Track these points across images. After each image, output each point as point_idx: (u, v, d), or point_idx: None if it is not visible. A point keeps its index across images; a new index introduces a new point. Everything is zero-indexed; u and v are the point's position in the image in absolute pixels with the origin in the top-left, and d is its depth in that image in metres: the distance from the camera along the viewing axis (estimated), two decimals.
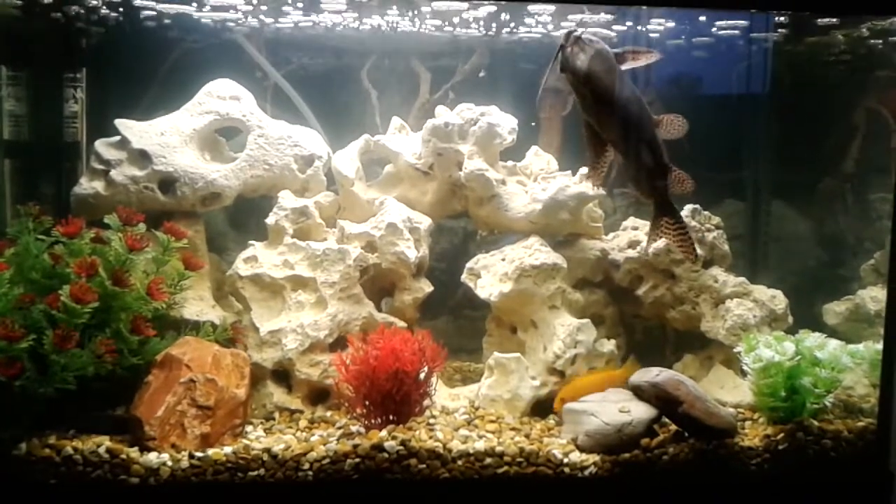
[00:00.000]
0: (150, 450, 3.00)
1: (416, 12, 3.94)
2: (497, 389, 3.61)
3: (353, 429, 3.27)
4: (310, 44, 4.35)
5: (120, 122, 3.74)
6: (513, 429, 3.41)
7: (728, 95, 4.58)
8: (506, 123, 3.89)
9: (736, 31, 4.15)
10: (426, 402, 3.37)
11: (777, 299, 3.80)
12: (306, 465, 3.05)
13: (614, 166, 3.59)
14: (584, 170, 3.83)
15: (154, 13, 3.90)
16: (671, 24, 4.06)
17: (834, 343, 3.48)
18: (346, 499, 3.08)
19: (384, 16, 3.99)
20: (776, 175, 4.60)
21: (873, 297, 4.05)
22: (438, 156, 3.89)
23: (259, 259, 3.71)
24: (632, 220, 4.10)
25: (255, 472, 3.03)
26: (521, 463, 3.14)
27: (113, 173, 3.66)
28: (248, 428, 3.33)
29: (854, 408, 3.60)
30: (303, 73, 4.39)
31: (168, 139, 3.74)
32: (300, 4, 3.85)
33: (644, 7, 3.95)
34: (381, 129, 4.16)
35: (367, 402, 3.26)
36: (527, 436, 3.34)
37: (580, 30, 3.37)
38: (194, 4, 3.85)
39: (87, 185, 3.66)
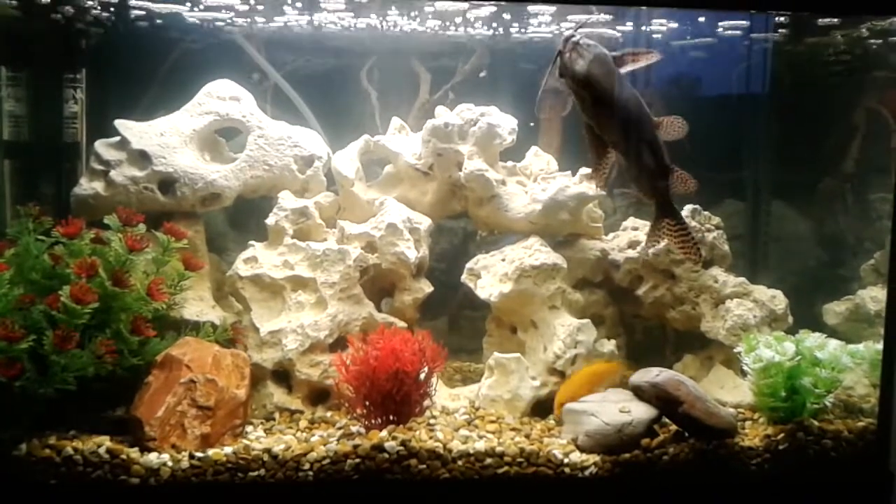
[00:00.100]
0: (150, 450, 3.00)
1: (416, 13, 3.93)
2: (497, 390, 3.61)
3: (354, 429, 3.27)
4: (309, 44, 4.35)
5: (120, 123, 3.74)
6: (513, 429, 3.41)
7: (728, 95, 4.58)
8: (506, 124, 3.89)
9: (736, 32, 4.15)
10: (426, 402, 3.37)
11: (777, 299, 3.80)
12: (306, 466, 3.05)
13: (614, 167, 3.59)
14: (584, 170, 3.83)
15: (154, 14, 3.90)
16: (670, 25, 4.06)
17: (834, 343, 3.48)
18: (346, 499, 3.08)
19: (384, 16, 3.99)
20: (776, 175, 4.60)
21: (873, 297, 4.05)
22: (438, 156, 3.89)
23: (259, 259, 3.71)
24: (632, 221, 4.11)
25: (256, 473, 3.03)
26: (521, 463, 3.14)
27: (113, 174, 3.66)
28: (249, 428, 3.33)
29: (854, 408, 3.60)
30: (302, 73, 4.39)
31: (168, 140, 3.74)
32: (299, 4, 3.85)
33: (644, 7, 3.95)
34: (381, 130, 4.16)
35: (367, 403, 3.26)
36: (527, 436, 3.34)
37: (578, 35, 3.37)
38: (194, 5, 3.85)
39: (87, 186, 3.66)
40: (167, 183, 3.69)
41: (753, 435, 3.34)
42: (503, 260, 3.76)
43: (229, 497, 3.02)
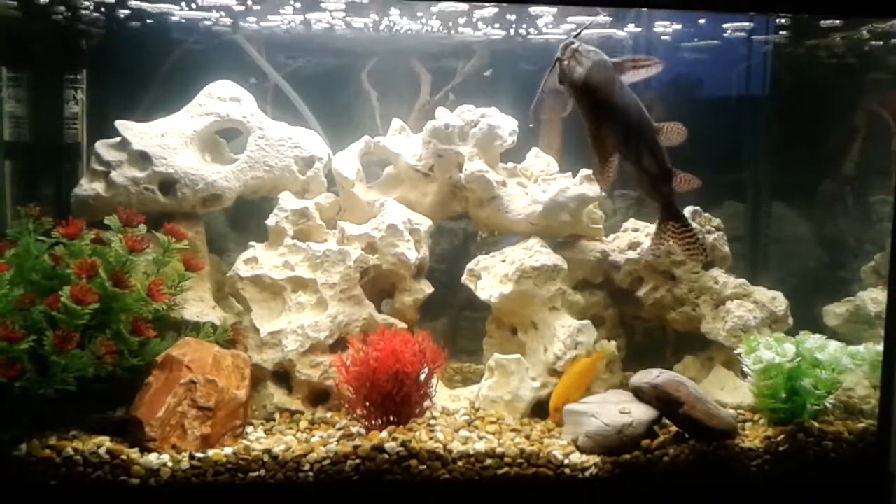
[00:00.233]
0: (150, 451, 3.00)
1: (416, 13, 3.94)
2: (497, 390, 3.61)
3: (354, 430, 3.27)
4: (310, 45, 4.35)
5: (120, 124, 3.74)
6: (513, 430, 3.41)
7: (728, 97, 4.58)
8: (506, 125, 3.89)
9: (736, 33, 4.15)
10: (426, 403, 3.37)
11: (777, 301, 3.80)
12: (307, 466, 3.05)
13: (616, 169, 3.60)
14: (584, 171, 3.83)
15: (154, 14, 3.90)
16: (671, 26, 4.06)
17: (834, 344, 3.48)
18: (346, 500, 3.08)
19: (385, 17, 3.99)
20: (777, 177, 4.60)
21: (873, 298, 4.05)
22: (439, 157, 3.89)
23: (259, 260, 3.71)
24: (632, 222, 4.11)
25: (256, 473, 3.03)
26: (521, 464, 3.14)
27: (113, 174, 3.66)
28: (249, 429, 3.33)
29: (854, 409, 3.60)
30: (303, 74, 4.39)
31: (168, 140, 3.74)
32: (299, 5, 3.85)
33: (643, 9, 3.95)
34: (382, 131, 4.17)
35: (367, 403, 3.26)
36: (527, 437, 3.34)
37: (577, 42, 3.37)
38: (194, 6, 3.85)
39: (88, 187, 3.66)
40: (168, 184, 3.69)
41: (754, 436, 3.34)
42: (503, 261, 3.76)
43: (229, 498, 3.01)
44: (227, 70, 3.97)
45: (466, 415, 3.54)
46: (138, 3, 3.78)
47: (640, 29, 4.10)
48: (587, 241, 3.97)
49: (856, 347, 3.57)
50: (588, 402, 3.37)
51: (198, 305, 3.61)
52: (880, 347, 3.36)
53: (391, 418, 3.26)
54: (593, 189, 3.79)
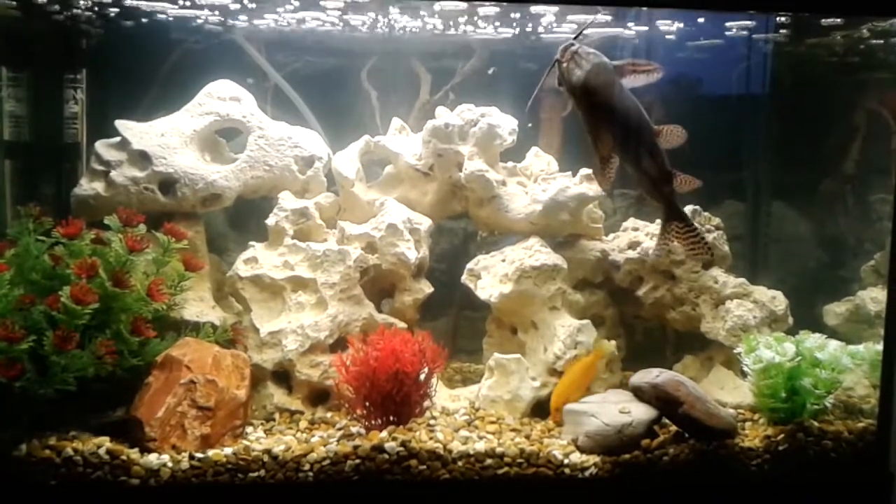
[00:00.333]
0: (150, 451, 3.00)
1: (417, 13, 3.93)
2: (497, 390, 3.61)
3: (354, 430, 3.27)
4: (310, 44, 4.35)
5: (120, 123, 3.74)
6: (513, 430, 3.41)
7: (728, 96, 4.57)
8: (506, 124, 3.89)
9: (736, 32, 4.15)
10: (426, 403, 3.37)
11: (777, 300, 3.80)
12: (306, 467, 3.05)
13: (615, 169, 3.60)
14: (584, 170, 3.83)
15: (154, 14, 3.90)
16: (671, 26, 4.05)
17: (834, 344, 3.48)
18: (346, 500, 3.08)
19: (384, 16, 3.99)
20: (776, 176, 4.60)
21: (873, 298, 4.05)
22: (439, 157, 3.89)
23: (259, 260, 3.71)
24: (632, 221, 4.11)
25: (256, 474, 3.03)
26: (521, 464, 3.14)
27: (113, 174, 3.66)
28: (249, 429, 3.33)
29: (854, 409, 3.60)
30: (303, 73, 4.39)
31: (168, 140, 3.74)
32: (299, 4, 3.85)
33: (643, 9, 3.95)
34: (382, 130, 4.16)
35: (367, 403, 3.26)
36: (527, 437, 3.34)
37: (577, 44, 3.36)
38: (195, 5, 3.85)
39: (88, 186, 3.66)
40: (167, 183, 3.69)
41: (753, 436, 3.34)
42: (503, 261, 3.76)
43: (229, 498, 3.02)
44: (227, 70, 3.96)
45: (466, 415, 3.54)
46: (138, 2, 3.78)
47: (639, 28, 4.10)
48: (587, 241, 3.97)
49: (856, 347, 3.57)
50: (588, 402, 3.37)
51: (198, 305, 3.61)
52: (880, 347, 3.36)
53: (391, 418, 3.26)
54: (593, 188, 3.79)
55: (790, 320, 3.80)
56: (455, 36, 4.20)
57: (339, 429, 3.33)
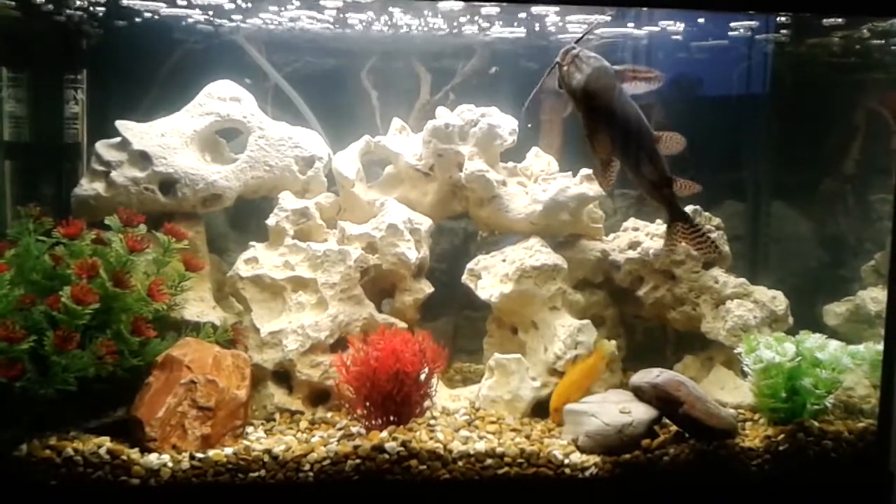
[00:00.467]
0: (150, 451, 3.00)
1: (418, 13, 3.93)
2: (497, 390, 3.61)
3: (354, 430, 3.27)
4: (310, 44, 4.35)
5: (120, 124, 3.75)
6: (513, 430, 3.41)
7: (728, 96, 4.57)
8: (506, 124, 3.89)
9: (736, 32, 4.15)
10: (427, 403, 3.37)
11: (777, 300, 3.80)
12: (307, 467, 3.05)
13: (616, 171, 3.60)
14: (584, 171, 3.83)
15: (155, 14, 3.90)
16: (671, 26, 4.05)
17: (834, 344, 3.48)
18: (346, 500, 3.08)
19: (385, 16, 3.99)
20: (777, 176, 4.60)
21: (874, 297, 4.05)
22: (439, 157, 3.89)
23: (260, 260, 3.71)
24: (632, 221, 4.11)
25: (256, 474, 3.03)
26: (521, 464, 3.14)
27: (113, 174, 3.66)
28: (249, 429, 3.33)
29: (854, 409, 3.60)
30: (303, 73, 4.39)
31: (169, 140, 3.74)
32: (299, 4, 3.85)
33: (644, 8, 3.95)
34: (382, 130, 4.17)
35: (367, 403, 3.26)
36: (527, 437, 3.34)
37: (577, 47, 3.36)
38: (195, 6, 3.85)
39: (88, 187, 3.66)
40: (168, 183, 3.69)
41: (754, 436, 3.34)
42: (504, 261, 3.76)
43: (230, 498, 3.02)
44: (227, 70, 3.97)
45: (466, 415, 3.54)
46: (138, 2, 3.78)
47: (640, 29, 4.09)
48: (587, 241, 3.97)
49: (856, 347, 3.57)
50: (588, 402, 3.37)
51: (198, 305, 3.61)
52: (880, 347, 3.35)
53: (391, 418, 3.26)
54: (593, 188, 3.80)
55: (790, 320, 3.80)
56: (455, 36, 4.20)
57: (340, 429, 3.33)
